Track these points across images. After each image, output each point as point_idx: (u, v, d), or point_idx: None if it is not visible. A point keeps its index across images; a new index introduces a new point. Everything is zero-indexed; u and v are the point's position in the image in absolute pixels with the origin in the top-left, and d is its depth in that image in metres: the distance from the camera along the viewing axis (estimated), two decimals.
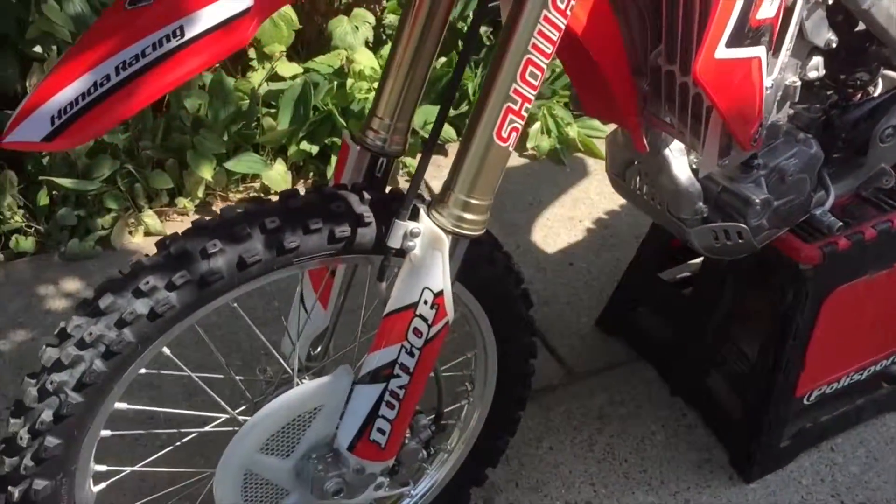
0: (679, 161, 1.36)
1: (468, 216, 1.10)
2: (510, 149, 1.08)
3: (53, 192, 2.16)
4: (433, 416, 1.34)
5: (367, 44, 2.47)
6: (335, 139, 2.31)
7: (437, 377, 1.31)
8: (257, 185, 2.36)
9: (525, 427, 1.80)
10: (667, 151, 1.36)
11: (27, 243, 2.14)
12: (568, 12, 1.00)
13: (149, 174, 2.21)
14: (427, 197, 1.15)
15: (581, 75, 1.24)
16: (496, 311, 1.35)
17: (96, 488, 1.20)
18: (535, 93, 1.04)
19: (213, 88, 2.23)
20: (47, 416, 1.05)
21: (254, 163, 2.25)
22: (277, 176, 2.29)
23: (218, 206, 2.33)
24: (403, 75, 1.22)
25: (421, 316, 1.13)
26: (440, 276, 1.11)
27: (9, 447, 1.08)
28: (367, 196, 1.16)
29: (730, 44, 1.04)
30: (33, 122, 0.88)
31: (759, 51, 1.08)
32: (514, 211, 2.35)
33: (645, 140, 1.30)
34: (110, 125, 0.88)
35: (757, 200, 1.37)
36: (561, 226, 2.32)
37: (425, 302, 1.12)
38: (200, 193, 2.28)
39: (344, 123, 2.31)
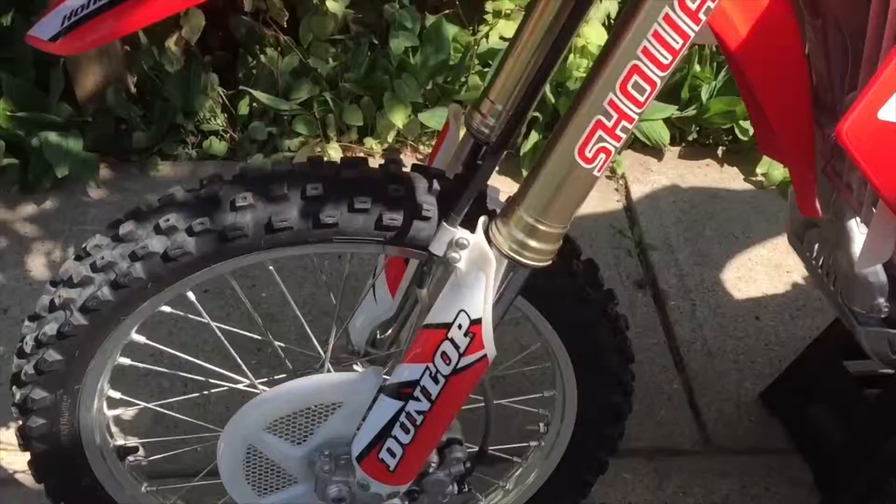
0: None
1: (532, 243, 0.90)
2: (595, 173, 0.85)
3: (253, 105, 2.18)
4: (476, 450, 1.16)
5: (607, 19, 2.24)
6: (537, 114, 2.12)
7: (487, 409, 1.13)
8: None
9: (625, 488, 1.56)
10: (851, 223, 1.05)
11: (220, 147, 2.18)
12: (701, 16, 0.76)
13: (345, 107, 2.16)
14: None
15: (750, 101, 0.97)
16: (582, 357, 1.13)
17: (110, 413, 1.16)
18: (638, 110, 0.81)
19: (429, 33, 2.12)
20: (51, 329, 1.01)
21: (440, 117, 2.12)
22: None
23: (406, 155, 2.24)
24: (527, 57, 1.02)
25: (452, 340, 0.95)
26: (480, 302, 0.92)
27: (19, 349, 1.05)
28: (437, 186, 0.98)
29: None
30: (49, 20, 0.81)
31: None
32: (713, 239, 2.04)
33: (818, 202, 1.01)
34: (108, 38, 0.78)
35: None
36: (762, 271, 1.98)
37: (459, 326, 0.94)
38: (390, 138, 2.20)
39: (553, 100, 2.12)
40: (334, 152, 2.16)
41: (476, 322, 0.93)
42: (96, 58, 2.07)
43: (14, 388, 1.07)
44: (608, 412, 1.19)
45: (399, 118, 2.12)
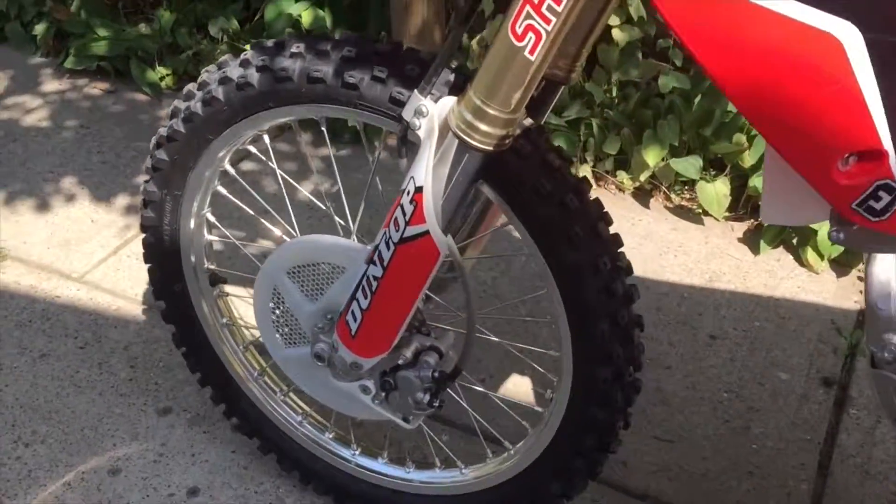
0: (885, 258, 0.89)
1: (479, 125, 0.94)
2: (527, 54, 0.87)
3: None
4: (452, 368, 1.17)
5: None
6: None
7: (469, 331, 1.14)
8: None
9: None
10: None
11: None
12: None
13: (609, 136, 2.22)
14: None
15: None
16: (574, 314, 1.10)
17: (208, 237, 1.38)
18: None
19: (700, 78, 2.11)
20: (164, 131, 1.27)
21: (692, 166, 2.08)
22: (713, 194, 2.08)
23: (657, 200, 2.23)
24: None
25: (402, 207, 1.02)
26: (420, 170, 0.97)
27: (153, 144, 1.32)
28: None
29: None
30: None
31: None
32: None
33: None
34: None
35: None
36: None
37: (407, 193, 1.00)
38: (643, 177, 2.21)
39: None
40: (584, 174, 2.23)
41: (419, 190, 0.99)
42: None
43: (143, 180, 1.35)
44: (595, 389, 1.13)
45: (652, 157, 2.13)
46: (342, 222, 1.28)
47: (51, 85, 2.78)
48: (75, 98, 2.72)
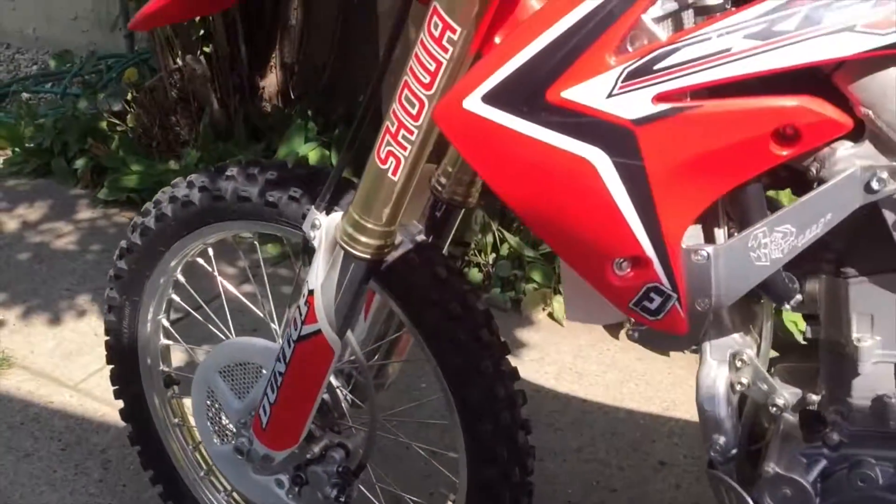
0: (709, 362, 0.98)
1: (359, 237, 1.07)
2: (391, 175, 1.01)
3: (511, 247, 2.48)
4: (357, 464, 1.26)
5: None
6: None
7: (371, 429, 1.24)
8: None
9: None
10: (706, 345, 0.99)
11: (477, 276, 2.51)
12: (446, 45, 0.91)
13: None
14: None
15: None
16: (470, 432, 1.19)
17: (164, 341, 1.52)
18: (414, 123, 0.97)
19: None
20: (124, 244, 1.43)
21: None
22: None
23: (627, 331, 2.31)
24: None
25: (299, 308, 1.14)
26: (313, 275, 1.11)
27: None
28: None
29: None
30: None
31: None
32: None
33: None
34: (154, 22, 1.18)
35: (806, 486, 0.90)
36: None
37: (303, 295, 1.13)
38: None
39: None
40: (559, 305, 2.34)
41: (311, 293, 1.12)
42: None
43: (107, 290, 1.50)
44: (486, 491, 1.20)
45: None
46: (274, 325, 1.41)
47: (84, 213, 3.04)
48: (104, 225, 2.96)
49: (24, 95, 4.14)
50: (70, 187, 3.21)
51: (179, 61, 3.05)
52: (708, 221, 0.87)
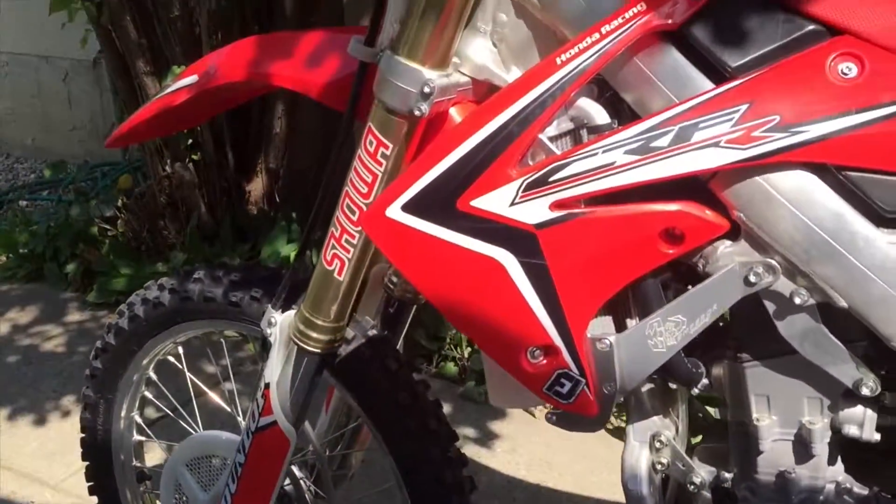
0: (632, 444, 1.06)
1: (310, 333, 1.17)
2: (336, 276, 1.11)
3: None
4: None
5: None
6: None
7: None
8: None
9: None
10: (630, 427, 1.08)
11: (453, 370, 2.59)
12: (380, 158, 1.02)
13: None
14: None
15: None
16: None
17: (136, 437, 1.59)
18: (355, 228, 1.07)
19: None
20: (99, 344, 1.52)
21: None
22: None
23: None
24: None
25: (257, 401, 1.22)
26: (269, 369, 1.19)
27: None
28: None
29: None
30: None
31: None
32: None
33: None
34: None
35: None
36: None
37: (259, 389, 1.22)
38: None
39: None
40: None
41: (267, 386, 1.20)
42: None
43: (83, 388, 1.58)
44: None
45: None
46: (241, 419, 1.48)
47: (73, 316, 3.13)
48: (92, 327, 3.05)
49: (22, 203, 4.30)
50: (61, 291, 3.31)
51: (169, 168, 3.19)
52: (614, 312, 0.97)
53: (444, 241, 0.89)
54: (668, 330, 0.91)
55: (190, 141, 3.21)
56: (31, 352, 2.88)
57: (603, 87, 0.96)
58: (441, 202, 0.90)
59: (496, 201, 0.88)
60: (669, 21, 0.88)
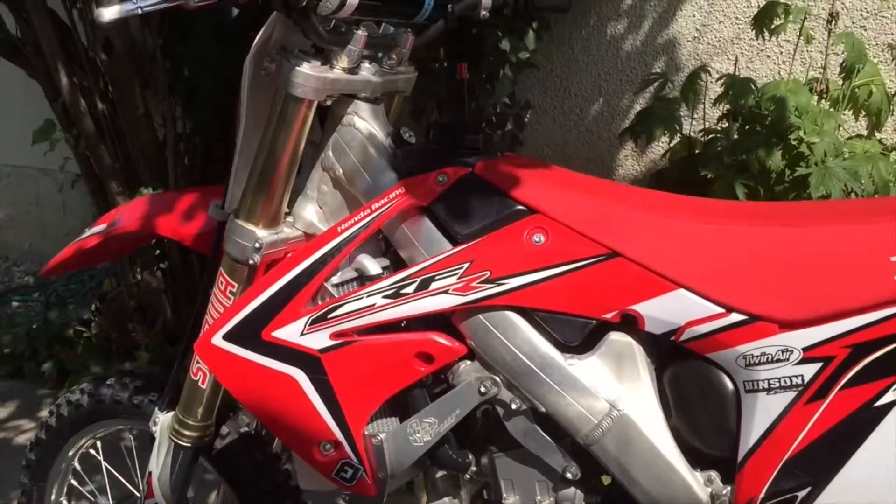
0: None
1: (182, 430, 1.46)
2: (200, 385, 1.41)
3: None
4: None
5: None
6: None
7: None
8: None
9: None
10: None
11: None
12: (228, 295, 1.33)
13: None
14: None
15: None
16: None
17: None
18: None
19: None
20: (33, 438, 1.81)
21: None
22: None
23: None
24: None
25: (142, 487, 1.51)
26: (152, 461, 1.48)
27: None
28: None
29: None
30: None
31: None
32: None
33: None
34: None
35: None
36: None
37: (145, 476, 1.50)
38: None
39: None
40: None
41: (150, 474, 1.49)
42: None
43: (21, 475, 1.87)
44: None
45: None
46: None
47: (46, 411, 3.42)
48: None
49: (14, 304, 4.64)
50: (38, 388, 3.61)
51: (139, 276, 3.53)
52: (393, 414, 1.26)
53: (253, 363, 1.20)
54: (424, 428, 1.20)
55: (158, 251, 3.56)
56: (4, 445, 3.16)
57: (388, 245, 1.28)
58: (250, 333, 1.21)
59: (290, 332, 1.19)
60: (422, 201, 1.21)
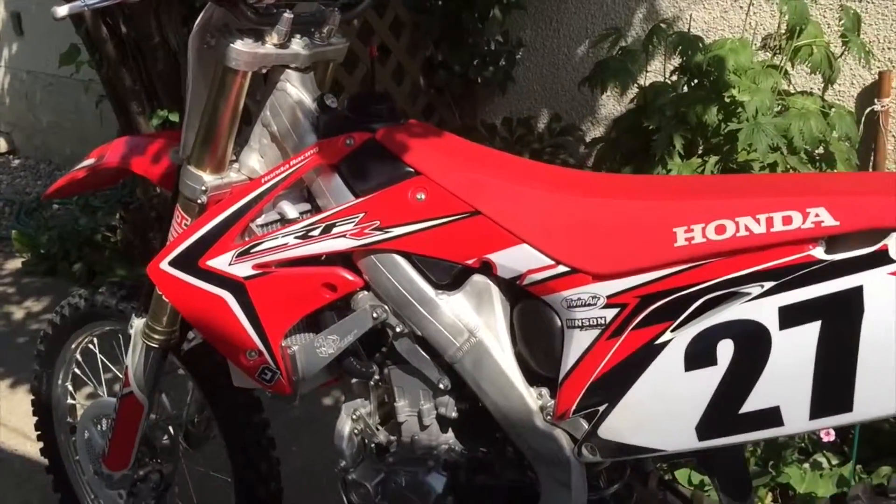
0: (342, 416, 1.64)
1: (151, 333, 1.78)
2: (164, 298, 1.71)
3: None
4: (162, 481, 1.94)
5: None
6: None
7: (176, 461, 1.91)
8: None
9: None
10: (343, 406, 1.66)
11: None
12: (182, 227, 1.62)
13: None
14: None
15: None
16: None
17: (68, 401, 2.22)
18: None
19: None
20: (42, 332, 2.15)
21: None
22: None
23: None
24: None
25: (120, 377, 1.84)
26: (129, 356, 1.81)
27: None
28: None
29: None
30: None
31: None
32: None
33: None
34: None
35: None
36: None
37: (124, 368, 1.83)
38: None
39: None
40: None
41: (126, 367, 1.82)
42: None
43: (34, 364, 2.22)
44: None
45: None
46: None
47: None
48: None
49: (55, 206, 5.02)
50: (70, 285, 4.01)
51: (158, 189, 3.85)
52: (308, 329, 1.55)
53: (192, 286, 1.50)
54: (328, 343, 1.49)
55: None
56: (38, 334, 3.56)
57: (311, 194, 1.55)
58: (190, 261, 1.50)
59: (221, 262, 1.48)
60: (332, 160, 1.46)
